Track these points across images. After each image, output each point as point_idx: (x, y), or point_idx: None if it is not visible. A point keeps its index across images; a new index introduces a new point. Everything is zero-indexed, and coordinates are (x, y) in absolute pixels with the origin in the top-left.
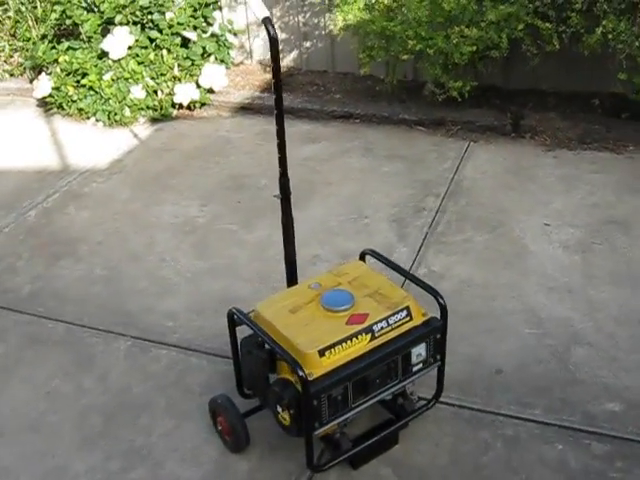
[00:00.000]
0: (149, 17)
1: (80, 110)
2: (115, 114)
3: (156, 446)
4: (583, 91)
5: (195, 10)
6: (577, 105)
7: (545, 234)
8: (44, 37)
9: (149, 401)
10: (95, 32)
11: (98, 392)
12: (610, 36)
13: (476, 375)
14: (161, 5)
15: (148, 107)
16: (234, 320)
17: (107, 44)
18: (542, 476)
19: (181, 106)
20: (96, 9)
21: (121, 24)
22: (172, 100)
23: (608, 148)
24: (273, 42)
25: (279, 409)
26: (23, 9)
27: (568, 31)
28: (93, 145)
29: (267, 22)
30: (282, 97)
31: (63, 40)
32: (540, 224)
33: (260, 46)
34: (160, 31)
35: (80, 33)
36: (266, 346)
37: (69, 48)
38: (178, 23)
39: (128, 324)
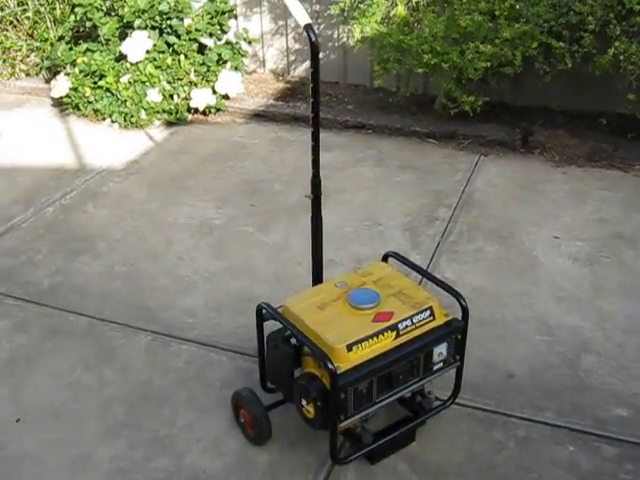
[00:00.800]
0: (168, 22)
1: (96, 111)
2: (131, 116)
3: (178, 437)
4: (591, 110)
5: (212, 17)
6: (585, 124)
7: (554, 246)
8: (61, 38)
9: (170, 393)
10: (113, 35)
11: (120, 383)
12: (621, 57)
13: (489, 379)
14: (180, 11)
15: (164, 110)
16: (262, 315)
17: (126, 47)
18: (554, 476)
19: (196, 111)
20: (114, 13)
21: (140, 28)
22: (188, 104)
23: (615, 166)
24: (314, 48)
25: (304, 402)
26: (42, 10)
27: (581, 51)
28: (109, 146)
29: (309, 28)
30: (319, 102)
31: (80, 42)
32: (549, 237)
33: (273, 55)
34: (178, 36)
35: (98, 35)
36: (292, 341)
37: (87, 50)
38: (196, 29)
39: (148, 319)
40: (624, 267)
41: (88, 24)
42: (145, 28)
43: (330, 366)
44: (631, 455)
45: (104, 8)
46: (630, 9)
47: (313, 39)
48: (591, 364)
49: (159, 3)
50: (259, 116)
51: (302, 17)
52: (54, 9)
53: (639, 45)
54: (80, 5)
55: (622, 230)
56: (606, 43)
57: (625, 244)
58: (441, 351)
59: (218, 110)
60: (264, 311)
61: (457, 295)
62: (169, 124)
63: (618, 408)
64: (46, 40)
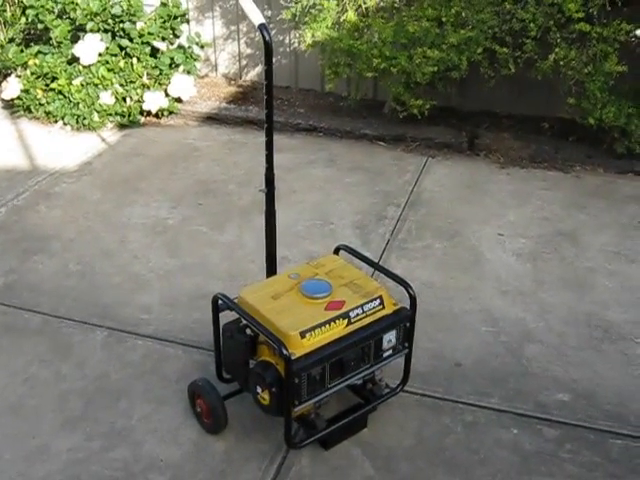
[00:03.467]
0: (120, 26)
1: (48, 113)
2: (84, 118)
3: (135, 428)
4: (534, 115)
5: (164, 22)
6: (528, 127)
7: (499, 243)
8: (12, 40)
9: (127, 387)
10: (65, 38)
11: (76, 378)
12: (561, 63)
13: (437, 368)
14: (132, 15)
15: (116, 113)
16: (218, 305)
17: (78, 50)
18: (499, 456)
19: (149, 113)
20: (66, 16)
21: (92, 31)
22: (140, 107)
23: (556, 167)
24: (268, 46)
25: (259, 390)
26: None
27: (523, 56)
28: (61, 148)
29: (263, 28)
30: (272, 100)
31: (32, 44)
32: (494, 234)
33: (225, 60)
34: (131, 40)
35: (50, 38)
36: (247, 331)
37: (39, 52)
38: (148, 33)
39: (104, 316)
40: (564, 262)
41: (40, 26)
42: (97, 31)
43: (285, 352)
44: (571, 436)
45: (56, 10)
46: (569, 17)
47: (267, 38)
48: (534, 353)
49: (111, 6)
50: (212, 119)
51: (256, 17)
52: (4, 11)
53: (578, 51)
54: (31, 7)
55: (563, 228)
56: (547, 49)
57: (566, 241)
58: (390, 338)
59: (171, 113)
60: (220, 301)
61: (405, 284)
62: (122, 126)
63: (559, 393)
64: None
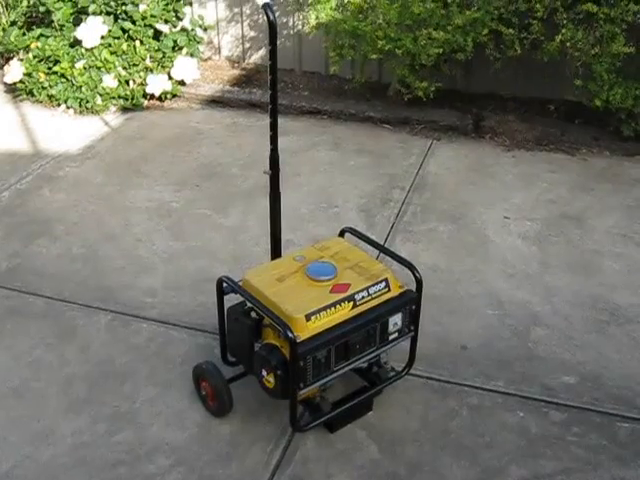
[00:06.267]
0: (123, 8)
1: (51, 97)
2: (87, 102)
3: (140, 411)
4: (540, 97)
5: (167, 4)
6: (534, 110)
7: (505, 226)
8: (14, 23)
9: (132, 370)
10: (67, 21)
11: (81, 361)
12: (568, 44)
13: (443, 351)
14: None
15: (119, 96)
16: (223, 288)
17: (81, 32)
18: (505, 439)
19: (152, 96)
20: None
21: (94, 14)
22: (144, 90)
23: (563, 150)
24: (272, 26)
25: (264, 373)
26: None
27: (529, 38)
28: (64, 131)
29: (267, 8)
30: (277, 79)
31: (34, 27)
32: (500, 217)
33: (228, 42)
34: (133, 22)
35: (52, 21)
36: (252, 314)
37: (41, 35)
38: (151, 15)
39: (108, 299)
40: (571, 245)
41: (41, 9)
42: (100, 13)
43: (290, 335)
44: (578, 419)
45: None
46: None
47: (271, 18)
48: (540, 336)
49: None
50: (215, 102)
51: None
52: None
53: (585, 32)
54: None
55: (569, 210)
56: (553, 30)
57: (572, 223)
58: (396, 321)
59: (174, 96)
60: (224, 284)
61: (411, 267)
62: (125, 110)
63: (565, 376)
64: None
